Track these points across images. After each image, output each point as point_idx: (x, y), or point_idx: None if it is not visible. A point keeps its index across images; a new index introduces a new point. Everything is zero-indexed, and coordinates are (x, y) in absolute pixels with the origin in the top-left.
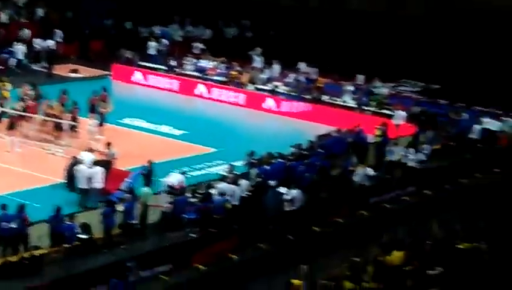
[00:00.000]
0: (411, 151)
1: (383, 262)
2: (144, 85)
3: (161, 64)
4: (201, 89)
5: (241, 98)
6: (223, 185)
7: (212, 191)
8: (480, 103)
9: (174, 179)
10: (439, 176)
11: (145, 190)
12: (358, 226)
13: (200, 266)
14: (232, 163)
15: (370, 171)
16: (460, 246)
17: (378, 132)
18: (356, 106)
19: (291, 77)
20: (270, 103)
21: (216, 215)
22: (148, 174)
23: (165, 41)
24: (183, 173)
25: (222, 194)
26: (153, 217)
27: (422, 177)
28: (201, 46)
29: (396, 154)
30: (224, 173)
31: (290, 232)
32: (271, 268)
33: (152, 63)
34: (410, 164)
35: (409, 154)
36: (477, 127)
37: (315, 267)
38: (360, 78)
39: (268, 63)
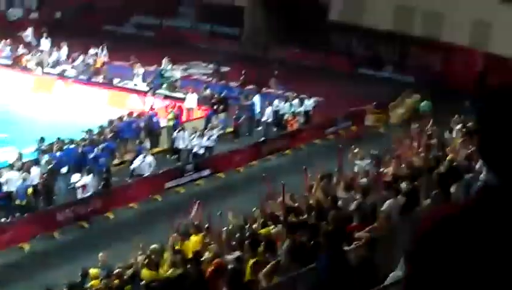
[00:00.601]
0: (197, 136)
1: (181, 247)
2: None
3: None
4: None
5: (29, 81)
6: (12, 173)
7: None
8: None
9: None
10: (231, 159)
11: None
12: (152, 212)
13: None
14: (22, 149)
15: (150, 158)
16: (260, 231)
17: (170, 116)
18: (148, 89)
19: (79, 60)
20: (59, 86)
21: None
22: None
23: None
24: None
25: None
26: None
27: (213, 162)
28: None
29: (183, 140)
30: (14, 160)
31: (83, 219)
32: (67, 257)
33: None
34: (196, 149)
35: (195, 140)
36: (268, 109)
37: (112, 255)
38: (164, 62)
39: (56, 46)
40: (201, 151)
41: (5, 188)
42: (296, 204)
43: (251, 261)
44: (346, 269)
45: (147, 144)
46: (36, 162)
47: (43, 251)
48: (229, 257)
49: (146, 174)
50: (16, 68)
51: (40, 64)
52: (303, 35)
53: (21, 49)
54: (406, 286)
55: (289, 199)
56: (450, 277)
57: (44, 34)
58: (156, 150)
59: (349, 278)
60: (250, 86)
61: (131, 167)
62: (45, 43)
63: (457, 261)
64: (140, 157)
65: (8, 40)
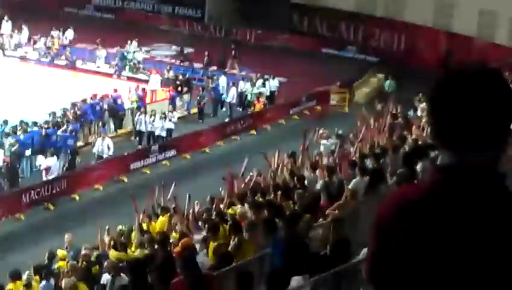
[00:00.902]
0: (158, 118)
1: (148, 228)
2: None
3: None
4: None
5: None
6: None
7: None
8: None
9: None
10: (196, 140)
11: None
12: (118, 193)
13: None
14: None
15: (109, 140)
16: (227, 211)
17: (134, 98)
18: (111, 71)
19: (41, 42)
20: (21, 69)
21: None
22: None
23: None
24: None
25: None
26: None
27: (178, 143)
28: None
29: (145, 123)
30: None
31: (49, 201)
32: (33, 239)
33: None
34: (157, 132)
35: (157, 123)
36: (232, 90)
37: (78, 236)
38: (132, 44)
39: (17, 28)
40: (163, 133)
41: None
42: (262, 184)
43: (212, 245)
44: (301, 254)
45: (111, 126)
46: (0, 144)
47: (8, 233)
48: (197, 236)
49: (105, 156)
50: None
51: (1, 47)
52: (266, 16)
53: None
54: (369, 263)
55: (257, 177)
56: (412, 255)
57: (5, 17)
58: (120, 132)
59: (304, 263)
60: (214, 67)
61: (93, 149)
62: (6, 26)
63: (419, 239)
64: (100, 139)
65: None
